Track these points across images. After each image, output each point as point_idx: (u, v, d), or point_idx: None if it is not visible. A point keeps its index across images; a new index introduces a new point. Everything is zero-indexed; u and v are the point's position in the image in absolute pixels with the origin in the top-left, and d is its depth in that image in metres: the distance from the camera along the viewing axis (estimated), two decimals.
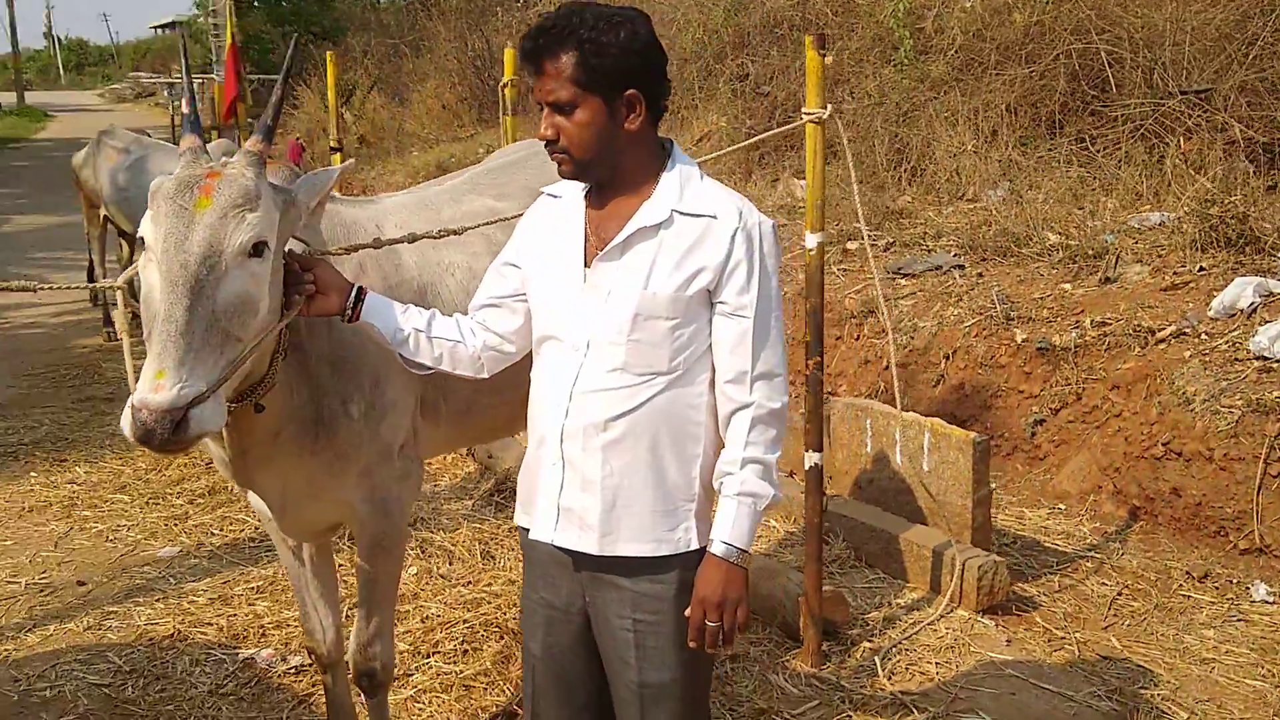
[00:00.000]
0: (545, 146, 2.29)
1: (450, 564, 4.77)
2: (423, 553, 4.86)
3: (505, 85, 5.44)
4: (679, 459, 2.32)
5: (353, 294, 2.47)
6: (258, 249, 2.25)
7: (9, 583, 4.70)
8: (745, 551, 2.28)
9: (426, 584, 4.57)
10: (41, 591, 4.63)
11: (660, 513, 2.31)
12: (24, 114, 32.45)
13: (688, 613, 2.28)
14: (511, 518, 3.66)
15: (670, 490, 2.31)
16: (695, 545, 2.32)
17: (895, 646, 4.10)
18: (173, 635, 4.21)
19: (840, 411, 5.23)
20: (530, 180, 3.40)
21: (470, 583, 4.57)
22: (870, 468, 5.09)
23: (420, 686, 3.83)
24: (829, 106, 3.73)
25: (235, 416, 2.55)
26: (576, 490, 2.31)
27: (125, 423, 2.08)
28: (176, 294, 2.13)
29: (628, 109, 2.25)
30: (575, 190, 2.41)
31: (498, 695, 3.75)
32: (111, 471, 5.98)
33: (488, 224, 3.10)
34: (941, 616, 4.31)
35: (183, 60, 2.69)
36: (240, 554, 4.97)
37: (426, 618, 4.26)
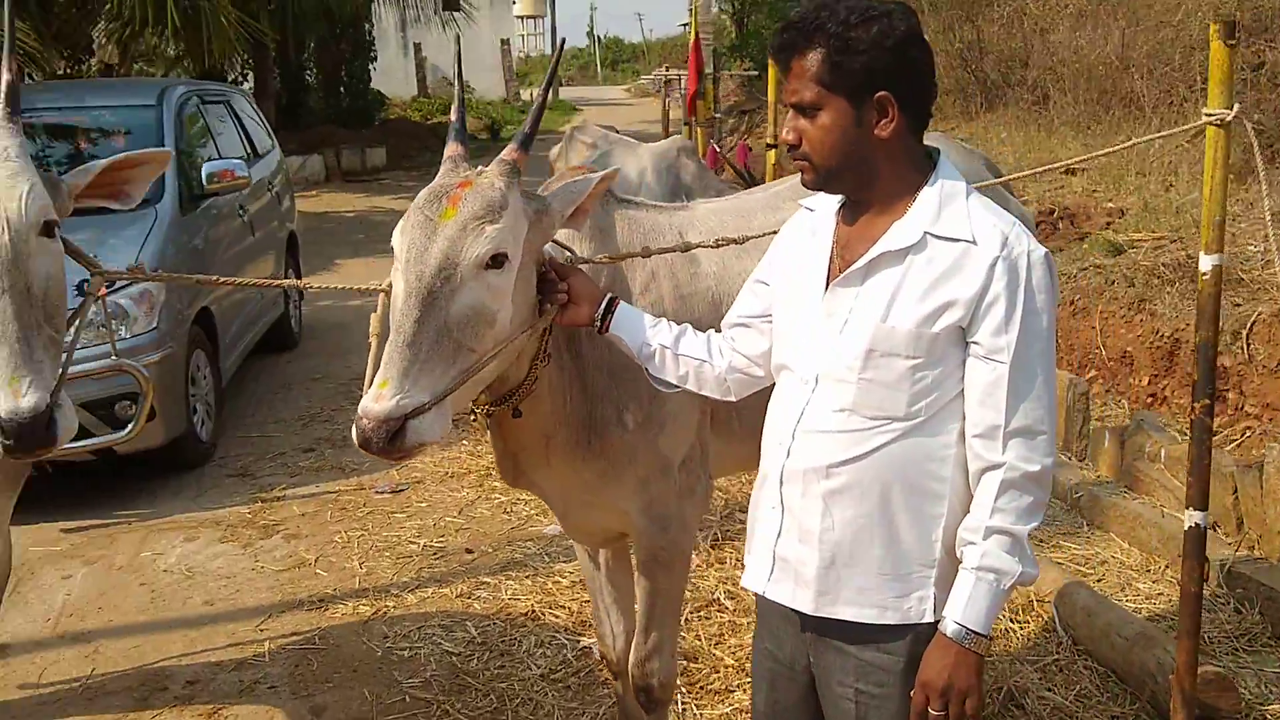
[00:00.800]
0: (789, 152, 2.08)
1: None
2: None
3: None
4: (915, 518, 2.03)
5: (603, 305, 2.40)
6: (497, 260, 2.22)
7: (410, 542, 5.14)
8: (981, 635, 1.96)
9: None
10: (434, 554, 5.02)
11: (890, 576, 2.04)
12: (556, 108, 35.69)
13: (913, 694, 2.01)
14: None
15: (904, 552, 2.04)
16: (930, 618, 2.04)
17: None
18: (527, 613, 4.40)
19: (1277, 459, 4.44)
20: None
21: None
22: None
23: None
24: (1236, 105, 3.14)
25: (496, 420, 2.58)
26: (794, 540, 2.10)
27: (354, 430, 2.15)
28: (409, 305, 2.15)
29: (879, 113, 1.99)
30: (830, 204, 2.18)
31: None
32: None
33: (765, 235, 2.91)
34: None
35: (455, 65, 2.73)
36: None
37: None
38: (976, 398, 1.98)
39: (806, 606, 2.09)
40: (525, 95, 40.04)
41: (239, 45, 12.89)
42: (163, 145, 6.69)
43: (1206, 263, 3.26)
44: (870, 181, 2.05)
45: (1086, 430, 5.79)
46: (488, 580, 4.72)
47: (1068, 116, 11.72)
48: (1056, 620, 4.11)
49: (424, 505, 5.61)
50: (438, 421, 2.15)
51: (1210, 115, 3.15)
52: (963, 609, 1.96)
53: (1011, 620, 4.19)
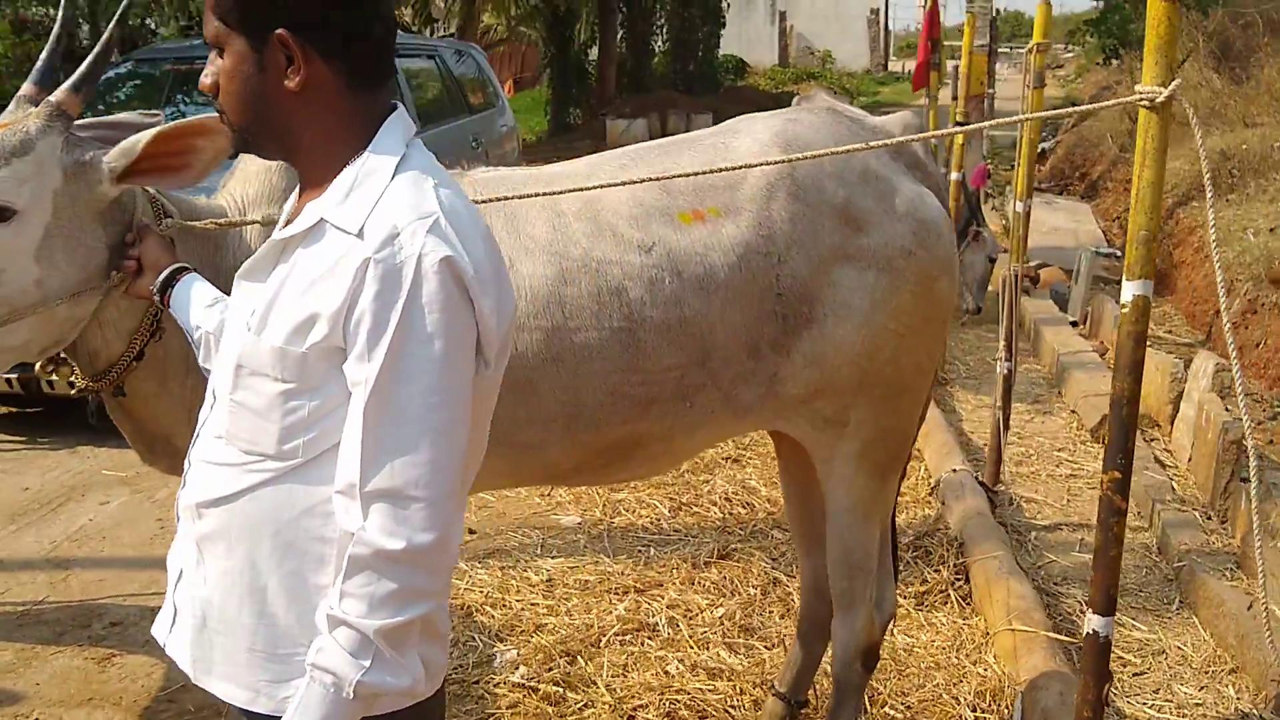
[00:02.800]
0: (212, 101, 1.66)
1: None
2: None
3: None
4: (293, 586, 1.60)
5: (162, 276, 2.07)
6: (1, 213, 1.97)
7: None
8: None
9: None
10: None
11: (264, 655, 1.62)
12: (886, 81, 34.40)
13: None
14: None
15: (281, 628, 1.61)
16: None
17: None
18: (464, 607, 4.12)
19: None
20: (667, 167, 2.63)
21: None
22: None
23: None
24: (1176, 80, 2.32)
25: (104, 399, 2.35)
26: (185, 587, 1.71)
27: None
28: None
29: (285, 59, 1.55)
30: None
31: None
32: None
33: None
34: None
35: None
36: (609, 544, 4.70)
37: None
38: (343, 445, 1.51)
39: (188, 670, 1.70)
40: (896, 68, 38.80)
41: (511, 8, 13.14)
42: None
43: (1129, 291, 2.47)
44: (293, 149, 1.62)
45: (1234, 487, 4.73)
46: (459, 566, 4.47)
47: None
48: (1016, 717, 3.33)
49: None
50: None
51: (1144, 93, 2.37)
52: (292, 716, 1.51)
53: (973, 709, 3.45)
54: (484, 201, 2.53)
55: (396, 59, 6.18)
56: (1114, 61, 17.97)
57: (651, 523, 4.88)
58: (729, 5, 26.34)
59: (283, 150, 1.63)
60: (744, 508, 4.95)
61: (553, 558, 4.54)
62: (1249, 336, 7.61)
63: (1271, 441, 6.17)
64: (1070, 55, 36.88)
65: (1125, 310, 2.46)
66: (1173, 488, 5.02)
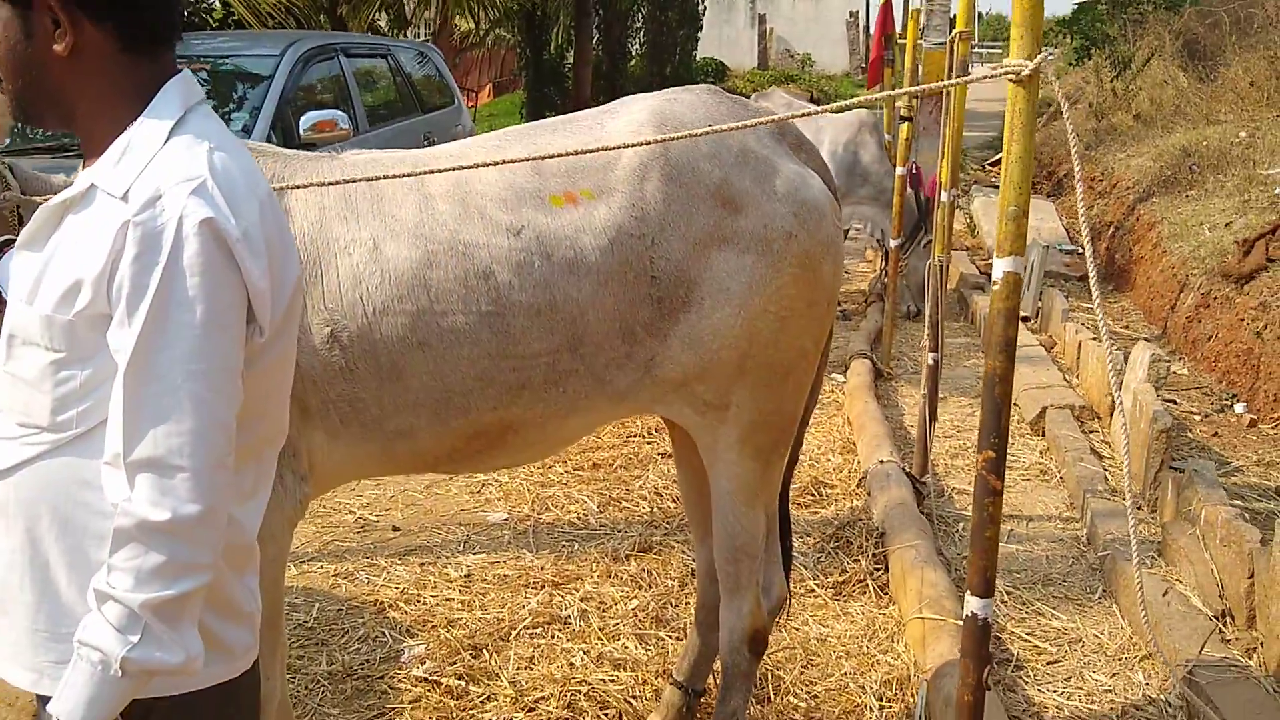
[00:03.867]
0: None
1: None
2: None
3: None
4: (74, 563, 1.56)
5: None
6: None
7: (349, 512, 4.92)
8: None
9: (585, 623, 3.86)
10: (360, 528, 4.79)
11: (47, 635, 1.58)
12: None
13: None
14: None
15: (64, 606, 1.57)
16: None
17: None
18: (378, 603, 4.07)
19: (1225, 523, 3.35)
20: (541, 148, 2.59)
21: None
22: None
23: None
24: (1044, 53, 2.30)
25: None
26: None
27: None
28: None
29: (52, 23, 1.51)
30: None
31: None
32: None
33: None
34: None
35: None
36: (533, 539, 4.66)
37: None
38: (109, 414, 1.48)
39: None
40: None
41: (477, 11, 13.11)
42: (271, 93, 6.84)
43: (999, 268, 2.44)
44: (69, 115, 1.59)
45: (1163, 476, 4.71)
46: (378, 563, 4.42)
47: None
48: (920, 707, 3.30)
49: (402, 477, 5.38)
50: None
51: (1009, 66, 2.34)
52: (60, 694, 1.47)
53: (879, 698, 3.42)
54: (346, 182, 2.49)
55: (346, 58, 6.04)
56: (1086, 61, 18.00)
57: (579, 518, 4.84)
58: (705, 9, 26.29)
59: (60, 117, 1.59)
60: (673, 502, 4.91)
61: (474, 554, 4.50)
62: (1201, 330, 7.61)
63: (1217, 434, 6.17)
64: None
65: (996, 288, 2.43)
66: (1106, 478, 5.00)
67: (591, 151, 2.52)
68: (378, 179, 2.44)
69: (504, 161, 2.49)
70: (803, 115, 2.74)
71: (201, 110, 1.59)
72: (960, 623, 3.55)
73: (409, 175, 2.51)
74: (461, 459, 2.68)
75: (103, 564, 1.51)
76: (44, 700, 1.59)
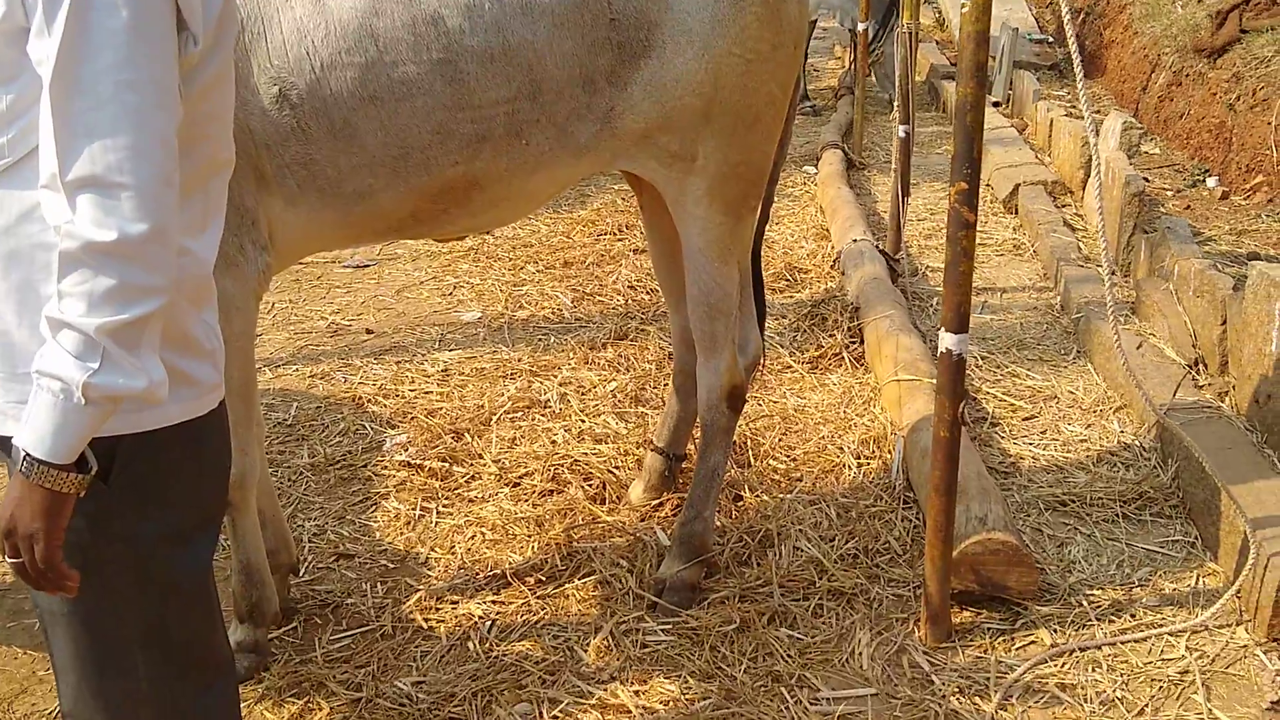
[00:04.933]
0: None
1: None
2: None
3: None
4: (24, 299, 1.50)
5: None
6: None
7: (321, 318, 4.89)
8: (50, 464, 1.41)
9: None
10: (332, 332, 4.75)
11: (2, 376, 1.53)
12: None
13: None
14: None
15: (17, 345, 1.52)
16: None
17: (1070, 654, 2.60)
18: (357, 399, 4.06)
19: (1255, 283, 3.35)
20: None
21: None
22: (1276, 375, 3.24)
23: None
24: None
25: None
26: None
27: None
28: None
29: None
30: None
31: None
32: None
33: None
34: (1196, 631, 2.65)
35: None
36: (508, 334, 4.64)
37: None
38: (40, 134, 1.40)
39: None
40: None
41: None
42: None
43: None
44: None
45: (1135, 240, 4.70)
46: (352, 363, 4.40)
47: None
48: (897, 459, 3.34)
49: (372, 283, 5.33)
50: None
51: None
52: (24, 425, 1.43)
53: (856, 456, 3.46)
54: None
55: None
56: None
57: (553, 313, 4.82)
58: None
59: None
60: (647, 294, 4.89)
61: (450, 350, 4.48)
62: (1173, 109, 7.51)
63: (1189, 207, 6.14)
64: None
65: (965, 9, 2.35)
66: (1079, 247, 4.99)
67: None
68: None
69: None
70: None
71: None
72: (933, 381, 3.59)
73: None
74: (426, 220, 2.61)
75: (52, 294, 1.46)
76: (6, 441, 1.56)
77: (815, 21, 8.27)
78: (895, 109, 4.95)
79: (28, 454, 1.40)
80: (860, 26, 6.50)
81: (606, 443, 3.54)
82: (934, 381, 3.61)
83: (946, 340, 2.56)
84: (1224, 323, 3.60)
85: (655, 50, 2.52)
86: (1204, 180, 6.40)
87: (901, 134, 4.78)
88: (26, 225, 1.47)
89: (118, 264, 1.37)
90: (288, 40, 2.33)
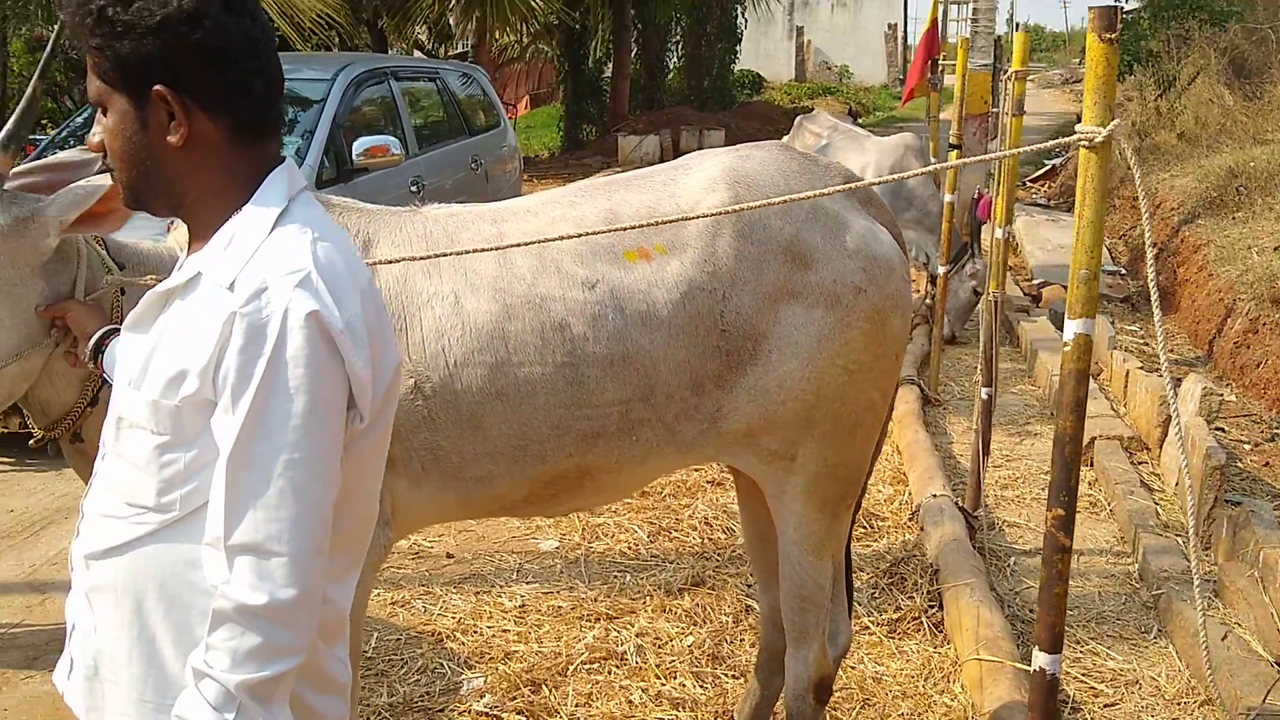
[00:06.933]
0: (102, 160, 1.70)
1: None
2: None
3: None
4: (180, 638, 1.62)
5: (93, 340, 2.10)
6: None
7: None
8: None
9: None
10: (413, 554, 4.84)
11: (153, 705, 1.64)
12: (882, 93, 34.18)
13: None
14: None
15: (169, 678, 1.63)
16: None
17: None
18: (436, 634, 4.12)
19: None
20: (615, 204, 2.64)
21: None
22: None
23: None
24: (1115, 121, 2.31)
25: (62, 444, 2.39)
26: (79, 637, 1.72)
27: None
28: None
29: (167, 115, 1.56)
30: None
31: None
32: None
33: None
34: None
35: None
36: (585, 569, 4.70)
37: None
38: (210, 498, 1.52)
39: (83, 718, 1.71)
40: None
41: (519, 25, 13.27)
42: (324, 118, 6.94)
43: (1071, 329, 2.46)
44: (179, 203, 1.64)
45: (1217, 512, 4.69)
46: (434, 591, 4.47)
47: None
48: None
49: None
50: None
51: (1083, 134, 2.36)
52: None
53: None
54: (437, 256, 2.55)
55: (395, 81, 6.19)
56: (1128, 77, 17.87)
57: (629, 547, 4.87)
58: (745, 23, 26.36)
59: (170, 205, 1.64)
60: (724, 533, 4.94)
61: (528, 583, 4.54)
62: (1250, 356, 7.55)
63: (1268, 464, 6.12)
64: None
65: (1067, 349, 2.45)
66: (1157, 513, 4.98)
67: (671, 221, 2.57)
68: (464, 252, 2.50)
69: (584, 234, 2.55)
70: (867, 184, 2.75)
71: (304, 198, 1.64)
72: (1017, 665, 3.58)
73: (529, 244, 2.55)
74: (537, 503, 2.73)
75: (201, 641, 1.56)
76: None
77: None
78: (979, 366, 5.05)
79: None
80: (940, 270, 6.67)
81: (684, 709, 3.54)
82: (1016, 665, 3.61)
83: (1040, 659, 2.57)
84: None
85: (761, 358, 2.65)
86: None
87: (984, 395, 4.86)
88: (190, 572, 1.58)
89: (265, 625, 1.47)
90: (426, 338, 2.50)
